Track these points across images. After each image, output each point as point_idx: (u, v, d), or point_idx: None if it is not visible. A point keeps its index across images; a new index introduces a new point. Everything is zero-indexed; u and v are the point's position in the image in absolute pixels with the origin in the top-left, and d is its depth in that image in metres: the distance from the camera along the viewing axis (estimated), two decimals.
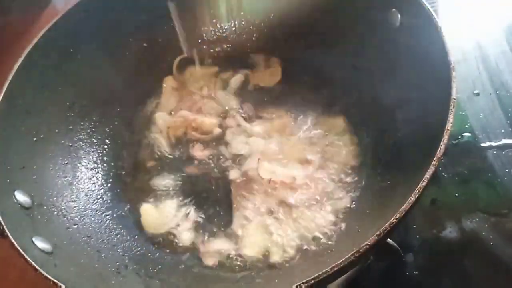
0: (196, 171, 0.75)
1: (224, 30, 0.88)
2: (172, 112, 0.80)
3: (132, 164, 0.78)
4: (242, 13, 0.87)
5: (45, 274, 0.50)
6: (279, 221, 0.67)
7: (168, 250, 0.68)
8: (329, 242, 0.64)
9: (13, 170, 0.64)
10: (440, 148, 0.50)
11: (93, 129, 0.79)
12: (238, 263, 0.65)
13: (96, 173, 0.76)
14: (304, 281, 0.46)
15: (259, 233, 0.66)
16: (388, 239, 0.66)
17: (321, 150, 0.73)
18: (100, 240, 0.66)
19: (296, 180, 0.70)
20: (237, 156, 0.75)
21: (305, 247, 0.64)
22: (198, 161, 0.76)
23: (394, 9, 0.65)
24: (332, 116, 0.76)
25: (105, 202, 0.73)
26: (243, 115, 0.80)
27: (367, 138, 0.72)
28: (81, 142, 0.76)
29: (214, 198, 0.71)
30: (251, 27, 0.88)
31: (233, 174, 0.73)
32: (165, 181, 0.75)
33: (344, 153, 0.72)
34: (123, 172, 0.77)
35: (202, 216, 0.70)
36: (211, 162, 0.75)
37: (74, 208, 0.69)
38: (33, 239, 0.56)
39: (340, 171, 0.70)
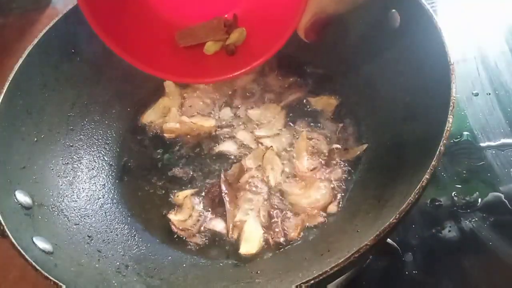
0: (197, 172, 0.75)
1: None
2: (173, 113, 0.80)
3: (133, 164, 0.78)
4: None
5: (46, 274, 0.50)
6: (275, 216, 0.68)
7: (169, 249, 0.68)
8: (329, 240, 0.64)
9: (14, 170, 0.64)
10: (440, 148, 0.50)
11: (94, 129, 0.79)
12: (237, 260, 0.65)
13: (97, 173, 0.76)
14: (304, 281, 0.46)
15: (256, 228, 0.67)
16: (388, 239, 0.66)
17: (320, 150, 0.73)
18: (100, 240, 0.66)
19: (296, 175, 0.71)
20: (236, 153, 0.75)
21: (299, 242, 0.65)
22: (199, 161, 0.76)
23: (393, 10, 0.65)
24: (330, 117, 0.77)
25: (106, 202, 0.73)
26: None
27: (367, 138, 0.72)
28: (81, 142, 0.76)
29: (217, 196, 0.71)
30: None
31: (231, 171, 0.73)
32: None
33: (343, 153, 0.72)
34: (124, 172, 0.77)
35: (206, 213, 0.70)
36: (211, 162, 0.75)
37: (75, 208, 0.69)
38: (34, 239, 0.56)
39: (339, 170, 0.71)
